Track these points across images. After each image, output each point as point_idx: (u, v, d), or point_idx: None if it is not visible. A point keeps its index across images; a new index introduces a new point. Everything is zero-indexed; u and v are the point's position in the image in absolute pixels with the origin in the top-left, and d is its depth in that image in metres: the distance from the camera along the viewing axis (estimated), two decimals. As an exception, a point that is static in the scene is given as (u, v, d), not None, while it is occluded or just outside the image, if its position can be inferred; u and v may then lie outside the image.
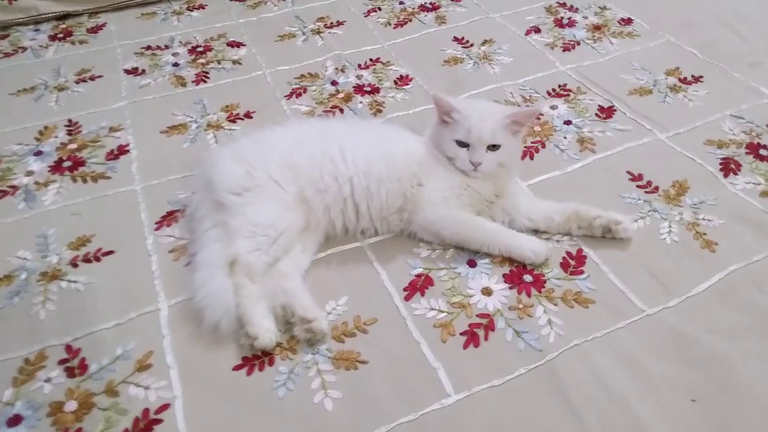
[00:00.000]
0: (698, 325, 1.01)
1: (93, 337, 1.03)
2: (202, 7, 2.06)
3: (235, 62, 1.76)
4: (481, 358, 0.98)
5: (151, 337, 1.02)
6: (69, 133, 1.51)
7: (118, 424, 0.90)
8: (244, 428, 0.90)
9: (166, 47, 1.85)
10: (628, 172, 1.32)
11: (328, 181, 1.14)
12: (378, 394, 0.94)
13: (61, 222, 1.25)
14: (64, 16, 2.01)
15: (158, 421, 0.91)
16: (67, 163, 1.41)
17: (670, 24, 1.83)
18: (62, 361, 0.99)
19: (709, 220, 1.20)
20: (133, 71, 1.74)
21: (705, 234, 1.17)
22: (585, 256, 1.14)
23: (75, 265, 1.16)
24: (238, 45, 1.84)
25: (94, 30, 1.96)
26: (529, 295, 1.08)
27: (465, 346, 1.00)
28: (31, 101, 1.63)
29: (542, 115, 1.49)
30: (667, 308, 1.05)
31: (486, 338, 1.01)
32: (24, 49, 1.87)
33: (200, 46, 1.85)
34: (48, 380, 0.96)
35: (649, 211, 1.23)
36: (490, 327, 1.02)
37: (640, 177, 1.31)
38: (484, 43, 1.79)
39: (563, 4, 1.97)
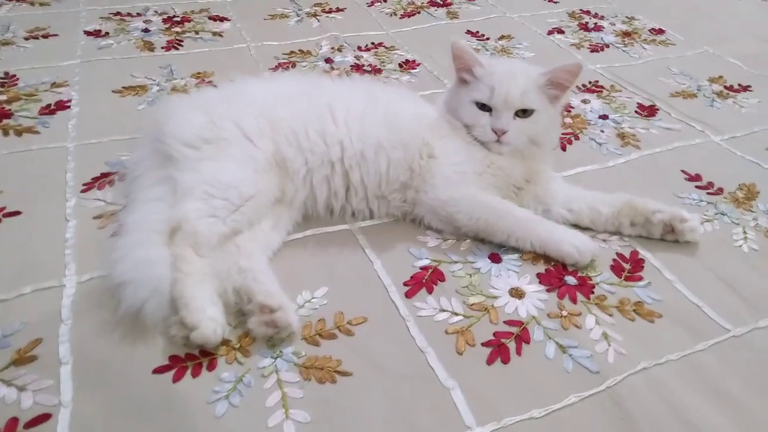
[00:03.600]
0: (804, 353, 0.74)
1: (-40, 315, 0.72)
2: (186, -16, 1.84)
3: (215, 34, 1.52)
4: (513, 379, 0.69)
5: (45, 320, 0.72)
6: (2, 85, 1.23)
7: (-37, 441, 0.59)
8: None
9: (138, 15, 1.61)
10: (683, 171, 1.08)
11: (314, 138, 0.88)
12: (364, 420, 0.64)
13: (-40, 176, 0.96)
14: (27, -20, 1.77)
15: (26, 440, 0.59)
16: (-12, 114, 1.13)
17: (704, 37, 1.64)
18: None
19: (791, 228, 0.95)
20: (95, 33, 1.48)
21: (791, 244, 0.92)
22: (642, 260, 0.87)
23: (-37, 225, 0.86)
24: (222, 19, 1.61)
25: (60, -5, 1.71)
26: (574, 300, 0.80)
27: (489, 361, 0.71)
28: (-36, 53, 1.36)
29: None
30: (758, 329, 0.78)
31: (518, 352, 0.72)
32: (-28, 5, 1.62)
33: (177, 16, 1.61)
34: None
35: (716, 213, 0.98)
36: (523, 338, 0.74)
37: (698, 177, 1.06)
38: (501, 38, 1.58)
39: (587, 12, 1.78)
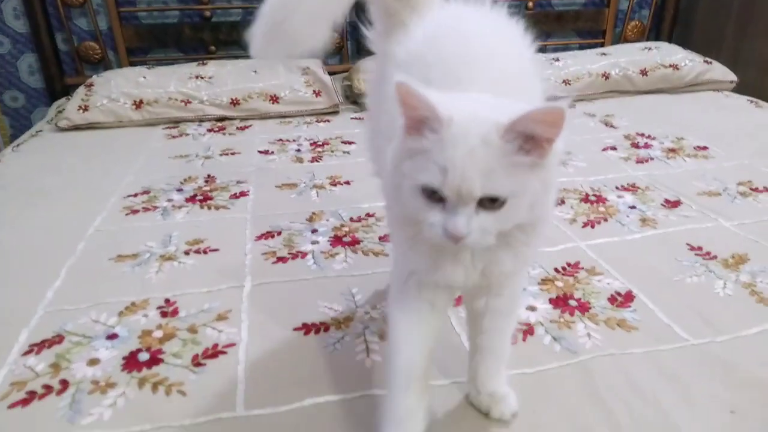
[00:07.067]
0: (747, 358, 1.01)
1: (188, 296, 1.23)
2: (327, 120, 2.51)
3: (344, 152, 2.11)
4: (517, 353, 1.03)
5: (233, 301, 1.20)
6: (206, 182, 1.87)
7: (191, 350, 1.06)
8: (292, 364, 1.02)
9: (293, 140, 2.26)
10: (687, 243, 1.38)
11: None
12: (415, 363, 1.02)
13: (183, 229, 1.53)
14: (222, 119, 2.54)
15: (224, 353, 1.05)
16: (198, 197, 1.74)
17: (746, 151, 1.94)
18: (159, 307, 1.19)
19: (767, 283, 1.21)
20: (265, 152, 2.14)
21: (762, 293, 1.18)
22: (634, 296, 1.19)
23: (187, 254, 1.40)
24: (350, 143, 2.21)
25: (242, 128, 2.44)
26: (572, 315, 1.13)
27: (503, 342, 1.06)
28: (183, 162, 2.05)
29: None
30: (714, 342, 1.05)
31: (524, 340, 1.07)
32: (187, 135, 2.37)
33: (320, 141, 2.24)
34: (145, 316, 1.16)
35: (705, 271, 1.27)
36: (529, 332, 1.09)
37: (699, 248, 1.36)
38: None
39: (642, 134, 2.17)
